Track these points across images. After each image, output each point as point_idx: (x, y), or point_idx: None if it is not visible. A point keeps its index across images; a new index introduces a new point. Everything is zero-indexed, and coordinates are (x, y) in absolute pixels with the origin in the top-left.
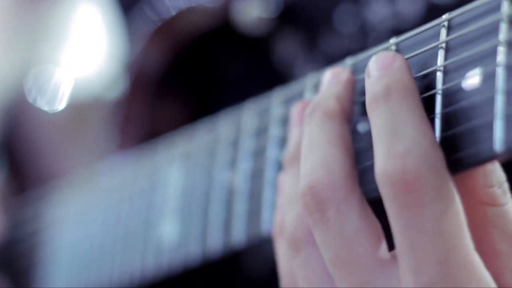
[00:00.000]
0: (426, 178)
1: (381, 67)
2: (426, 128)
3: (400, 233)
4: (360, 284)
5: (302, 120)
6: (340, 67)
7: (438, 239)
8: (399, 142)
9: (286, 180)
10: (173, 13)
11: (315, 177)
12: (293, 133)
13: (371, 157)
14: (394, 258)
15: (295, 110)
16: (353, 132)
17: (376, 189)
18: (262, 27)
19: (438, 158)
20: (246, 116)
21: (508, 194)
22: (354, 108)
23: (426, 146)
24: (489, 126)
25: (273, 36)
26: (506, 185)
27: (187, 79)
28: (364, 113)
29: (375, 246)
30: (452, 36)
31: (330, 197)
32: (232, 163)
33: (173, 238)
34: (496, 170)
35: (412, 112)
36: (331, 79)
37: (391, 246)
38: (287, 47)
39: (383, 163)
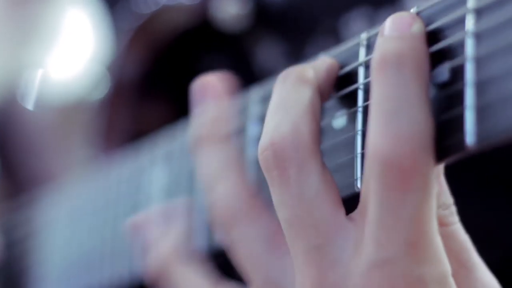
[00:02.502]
0: (420, 168)
1: (397, 28)
2: (428, 113)
3: (375, 208)
4: (315, 246)
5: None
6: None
7: (413, 225)
8: (403, 122)
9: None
10: (152, 11)
11: (278, 134)
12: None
13: (344, 155)
14: (352, 221)
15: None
16: (328, 129)
17: (348, 186)
18: (241, 24)
19: (431, 147)
20: None
21: (455, 215)
22: (330, 94)
23: (427, 134)
24: (460, 119)
25: (254, 36)
26: (453, 207)
27: (168, 79)
28: (339, 109)
29: (333, 210)
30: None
31: (292, 156)
32: None
33: None
34: (442, 192)
35: (421, 90)
36: (316, 61)
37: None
38: (268, 50)
39: (380, 140)
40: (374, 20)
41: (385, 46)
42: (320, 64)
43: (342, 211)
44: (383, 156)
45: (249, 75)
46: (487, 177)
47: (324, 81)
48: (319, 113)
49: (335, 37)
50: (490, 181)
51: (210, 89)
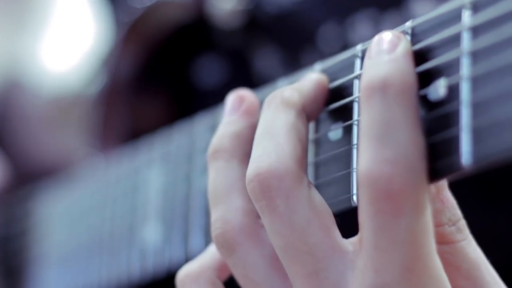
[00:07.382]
0: (410, 190)
1: (383, 50)
2: (417, 134)
3: (369, 234)
4: (312, 272)
5: (233, 109)
6: (318, 73)
7: (408, 248)
8: (389, 145)
9: (209, 176)
10: (147, 6)
11: (262, 164)
12: (224, 122)
13: (340, 168)
14: (351, 243)
15: (229, 98)
16: (325, 140)
17: (344, 201)
18: (237, 20)
19: (422, 169)
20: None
21: (465, 230)
22: (320, 112)
23: (415, 156)
24: (456, 139)
25: (250, 34)
26: (462, 222)
27: (164, 74)
28: (336, 121)
29: (327, 234)
30: (417, 45)
31: (278, 186)
32: None
33: (157, 241)
34: (447, 208)
35: (407, 112)
36: (303, 79)
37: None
38: (265, 46)
39: (368, 164)
40: (380, 23)
41: (370, 70)
42: (306, 83)
43: (336, 233)
44: (371, 181)
45: (244, 71)
46: (490, 181)
47: (311, 101)
48: (306, 135)
49: (340, 43)
50: (493, 185)
51: (246, 104)
